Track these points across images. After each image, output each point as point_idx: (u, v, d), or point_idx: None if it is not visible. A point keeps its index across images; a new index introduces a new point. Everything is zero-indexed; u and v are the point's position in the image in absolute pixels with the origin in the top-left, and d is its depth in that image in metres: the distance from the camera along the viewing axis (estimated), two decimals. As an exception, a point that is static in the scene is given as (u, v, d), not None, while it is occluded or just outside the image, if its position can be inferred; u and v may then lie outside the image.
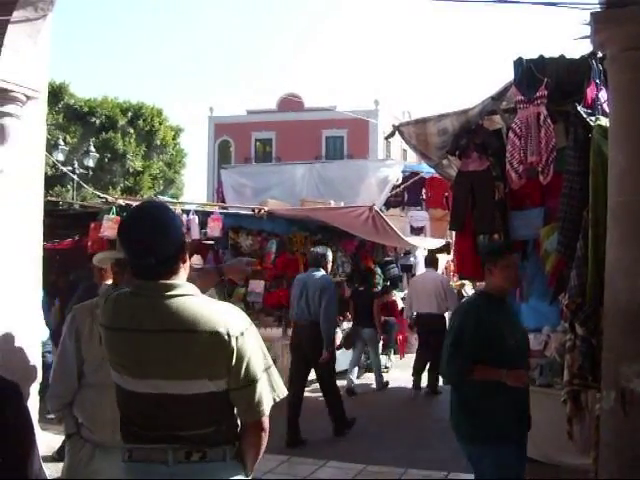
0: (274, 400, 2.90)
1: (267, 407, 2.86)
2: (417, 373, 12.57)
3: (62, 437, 4.73)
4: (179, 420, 2.78)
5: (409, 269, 18.57)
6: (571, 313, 6.20)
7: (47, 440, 6.76)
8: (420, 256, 19.23)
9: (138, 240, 2.82)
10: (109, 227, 9.52)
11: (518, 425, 4.75)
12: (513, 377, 4.58)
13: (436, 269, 13.53)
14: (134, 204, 10.06)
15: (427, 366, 12.43)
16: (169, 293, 2.80)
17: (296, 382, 9.26)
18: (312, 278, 9.50)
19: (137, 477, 2.81)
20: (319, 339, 9.16)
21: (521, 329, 5.06)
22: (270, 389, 2.88)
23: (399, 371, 13.97)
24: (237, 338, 2.76)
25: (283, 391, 2.95)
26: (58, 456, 6.53)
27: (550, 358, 7.78)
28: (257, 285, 12.22)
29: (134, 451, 2.84)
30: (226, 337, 2.74)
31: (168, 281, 2.83)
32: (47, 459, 6.18)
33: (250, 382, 2.81)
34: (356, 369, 12.96)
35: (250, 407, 2.83)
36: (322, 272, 9.59)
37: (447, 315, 12.24)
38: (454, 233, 11.27)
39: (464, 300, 5.09)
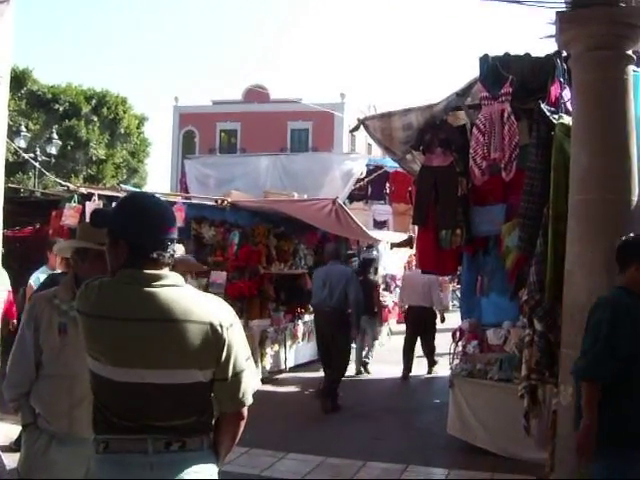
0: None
1: (250, 396, 2.92)
2: (407, 360, 13.32)
3: (19, 427, 4.67)
4: (162, 410, 2.77)
5: (371, 263, 18.61)
6: (530, 309, 6.26)
7: (4, 430, 6.68)
8: (382, 250, 19.28)
9: (140, 228, 2.84)
10: (70, 215, 9.43)
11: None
12: (580, 438, 4.36)
13: None
14: (97, 192, 9.99)
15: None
16: (159, 283, 2.80)
17: (325, 360, 10.90)
18: (334, 269, 10.78)
19: (115, 467, 2.75)
20: (338, 322, 10.43)
21: None
22: (251, 379, 2.95)
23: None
24: (228, 329, 2.81)
25: (258, 382, 2.98)
26: (16, 446, 6.46)
27: (510, 353, 7.85)
28: (219, 276, 12.16)
29: (111, 442, 2.78)
30: (219, 328, 2.78)
31: (157, 271, 2.83)
32: (4, 449, 6.13)
33: (238, 372, 2.86)
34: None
35: (235, 397, 2.88)
36: (340, 264, 11.23)
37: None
38: (417, 227, 11.34)
39: (609, 294, 4.82)
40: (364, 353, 13.89)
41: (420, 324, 13.27)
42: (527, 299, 6.35)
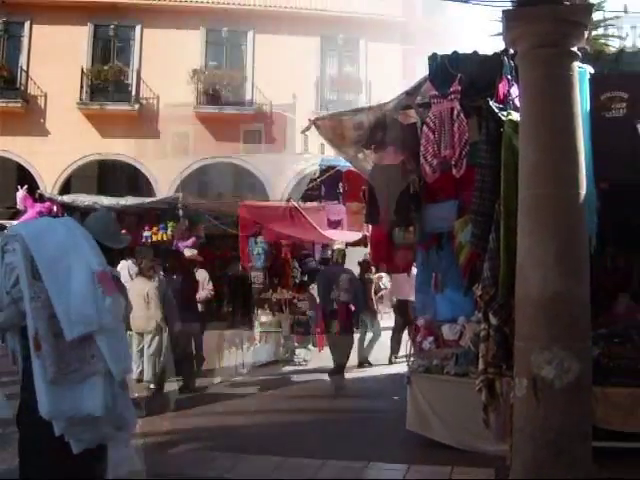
0: None
1: None
2: (394, 352, 14.44)
3: None
4: None
5: (327, 262, 18.64)
6: (485, 303, 6.33)
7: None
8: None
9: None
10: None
11: None
12: None
13: None
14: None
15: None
16: None
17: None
18: (339, 270, 13.27)
19: None
20: (343, 316, 12.54)
21: None
22: None
23: (318, 363, 13.99)
24: None
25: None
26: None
27: (465, 348, 7.92)
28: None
29: None
30: None
31: None
32: None
33: None
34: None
35: None
36: (341, 266, 13.56)
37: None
38: (370, 226, 11.40)
39: None
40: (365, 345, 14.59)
41: (408, 314, 14.09)
42: (482, 294, 6.41)
